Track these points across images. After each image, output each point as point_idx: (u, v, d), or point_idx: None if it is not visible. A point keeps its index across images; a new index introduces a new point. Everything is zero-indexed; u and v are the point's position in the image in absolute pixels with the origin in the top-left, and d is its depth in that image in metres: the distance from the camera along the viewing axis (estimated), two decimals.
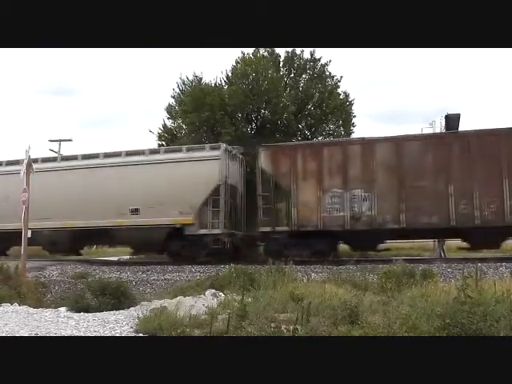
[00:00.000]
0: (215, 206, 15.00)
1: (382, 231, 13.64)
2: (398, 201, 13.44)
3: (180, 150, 16.12)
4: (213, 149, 15.75)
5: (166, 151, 16.49)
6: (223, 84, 23.78)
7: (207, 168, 15.17)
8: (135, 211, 15.24)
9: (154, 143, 25.41)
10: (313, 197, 14.09)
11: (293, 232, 14.20)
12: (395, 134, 14.69)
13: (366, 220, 13.64)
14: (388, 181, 13.60)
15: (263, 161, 14.90)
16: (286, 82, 23.65)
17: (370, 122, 70.93)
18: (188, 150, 16.03)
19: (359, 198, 13.71)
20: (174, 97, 24.91)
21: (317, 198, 14.01)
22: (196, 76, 24.29)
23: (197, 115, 21.78)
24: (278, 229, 14.41)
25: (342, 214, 13.77)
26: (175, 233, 15.21)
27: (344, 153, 14.14)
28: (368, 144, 14.14)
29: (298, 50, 24.04)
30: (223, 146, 15.80)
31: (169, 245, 15.55)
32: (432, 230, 13.72)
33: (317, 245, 14.13)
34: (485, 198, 12.93)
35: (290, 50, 24.03)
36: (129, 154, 16.45)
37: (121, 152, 16.68)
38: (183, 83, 24.62)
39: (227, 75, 23.87)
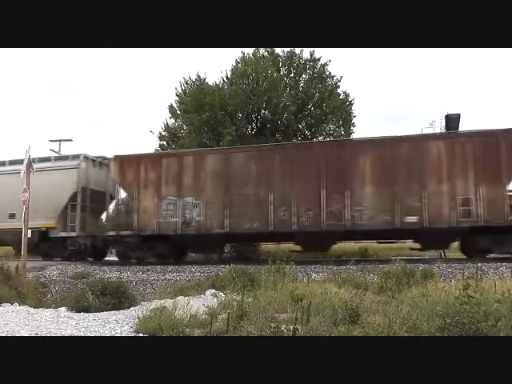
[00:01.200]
0: (73, 211, 16.86)
1: (210, 235, 14.97)
2: (223, 207, 14.68)
3: (49, 160, 17.75)
4: (73, 158, 17.43)
5: (39, 161, 17.16)
6: (224, 84, 23.80)
7: (67, 176, 16.90)
8: (13, 216, 16.61)
9: (155, 143, 25.49)
10: (152, 204, 15.40)
11: (136, 236, 15.54)
12: (225, 147, 17.11)
13: (195, 225, 14.92)
14: (216, 189, 14.90)
15: (113, 170, 16.34)
16: (285, 82, 23.67)
17: (374, 122, 70.94)
18: (56, 159, 18.03)
19: (190, 205, 15.06)
20: (177, 95, 24.94)
21: (155, 204, 15.31)
22: (199, 76, 24.33)
23: (197, 115, 21.80)
24: (122, 233, 15.68)
25: (175, 219, 15.09)
26: (45, 235, 16.92)
27: (179, 163, 15.39)
28: (200, 155, 15.61)
29: (297, 50, 24.08)
30: (82, 155, 17.29)
31: (38, 246, 16.96)
32: (253, 235, 14.97)
33: (157, 247, 15.56)
34: (303, 206, 14.06)
35: (289, 49, 24.05)
36: (11, 163, 17.70)
37: (5, 161, 18.11)
38: (186, 83, 24.65)
39: (227, 75, 23.91)
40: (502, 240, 13.07)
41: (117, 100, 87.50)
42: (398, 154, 13.77)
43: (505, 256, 12.97)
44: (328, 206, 13.83)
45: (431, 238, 13.58)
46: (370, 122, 69.10)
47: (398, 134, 15.01)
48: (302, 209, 14.05)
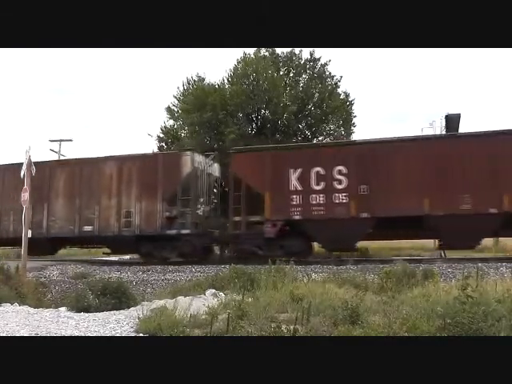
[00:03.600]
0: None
1: None
2: None
3: None
4: None
5: None
6: (224, 84, 23.82)
7: None
8: None
9: (155, 144, 25.50)
10: None
11: None
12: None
13: None
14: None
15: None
16: (286, 82, 23.67)
17: (374, 122, 70.93)
18: None
19: None
20: (176, 97, 24.95)
21: None
22: (199, 76, 24.33)
23: (199, 115, 21.82)
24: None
25: None
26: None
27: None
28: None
29: (297, 50, 24.08)
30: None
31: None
32: None
33: None
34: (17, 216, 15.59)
35: (289, 50, 24.06)
36: None
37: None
38: (187, 83, 24.66)
39: (228, 75, 23.92)
40: (159, 246, 15.94)
41: (116, 100, 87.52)
42: (82, 173, 16.77)
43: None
44: (33, 217, 16.04)
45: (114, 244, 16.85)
46: (371, 122, 69.11)
47: (81, 157, 18.37)
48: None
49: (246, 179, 15.41)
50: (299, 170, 14.75)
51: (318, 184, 14.62)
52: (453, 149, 13.82)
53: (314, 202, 14.55)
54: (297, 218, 14.63)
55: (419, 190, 13.57)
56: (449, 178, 13.55)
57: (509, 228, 13.38)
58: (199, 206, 16.10)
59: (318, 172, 14.63)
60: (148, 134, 26.13)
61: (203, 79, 24.15)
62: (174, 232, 15.50)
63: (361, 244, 15.99)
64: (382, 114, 77.66)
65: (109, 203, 16.35)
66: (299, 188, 14.71)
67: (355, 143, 16.12)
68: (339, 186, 14.42)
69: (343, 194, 14.36)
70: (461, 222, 13.13)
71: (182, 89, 24.82)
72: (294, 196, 14.70)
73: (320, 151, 15.47)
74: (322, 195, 14.54)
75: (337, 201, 14.38)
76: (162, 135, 25.06)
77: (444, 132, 15.55)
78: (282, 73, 23.89)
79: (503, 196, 13.16)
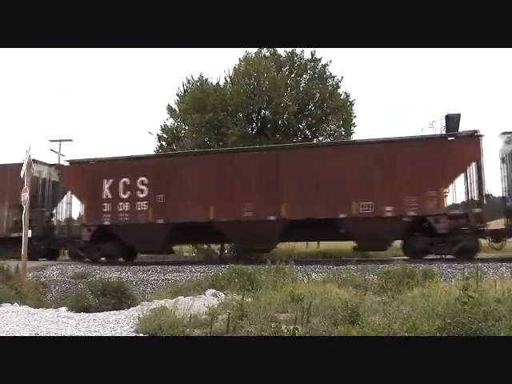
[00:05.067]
0: None
1: None
2: None
3: None
4: None
5: None
6: (225, 84, 23.81)
7: None
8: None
9: (154, 144, 25.51)
10: None
11: None
12: None
13: None
14: None
15: None
16: (286, 82, 23.67)
17: (375, 122, 70.98)
18: None
19: None
20: (178, 95, 24.94)
21: None
22: (201, 76, 24.32)
23: (199, 115, 21.82)
24: None
25: None
26: None
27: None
28: None
29: (298, 50, 24.09)
30: None
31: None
32: None
33: None
34: None
35: (290, 50, 24.06)
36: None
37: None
38: (188, 82, 24.66)
39: (229, 75, 23.92)
40: (6, 247, 17.30)
41: (116, 100, 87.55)
42: None
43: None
44: None
45: None
46: (371, 122, 69.10)
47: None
48: None
49: (70, 189, 17.67)
50: (111, 181, 16.48)
51: (124, 193, 16.41)
52: (234, 162, 15.57)
53: (121, 209, 16.36)
54: (107, 223, 16.39)
55: (206, 200, 15.27)
56: (232, 189, 15.14)
57: (289, 234, 15.00)
58: (42, 212, 18.60)
59: (125, 182, 16.42)
60: (148, 132, 26.14)
61: (205, 80, 24.15)
62: (16, 235, 16.44)
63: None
64: (382, 114, 77.72)
65: None
66: (110, 196, 16.47)
67: (155, 156, 18.25)
68: (141, 195, 16.19)
69: (144, 202, 16.14)
70: (244, 227, 14.85)
71: (182, 89, 24.84)
72: (106, 204, 16.45)
73: (127, 164, 17.01)
74: (127, 203, 16.32)
75: (139, 208, 16.15)
76: (162, 134, 25.04)
77: (444, 131, 15.52)
78: (283, 73, 23.88)
79: (281, 205, 14.73)
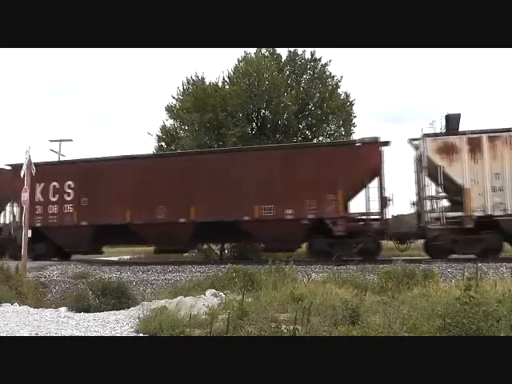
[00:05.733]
0: None
1: None
2: None
3: None
4: None
5: None
6: (225, 84, 23.81)
7: None
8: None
9: (154, 144, 25.52)
10: None
11: None
12: None
13: None
14: None
15: None
16: (286, 82, 23.66)
17: (375, 122, 70.91)
18: None
19: None
20: (176, 96, 24.94)
21: None
22: (198, 76, 24.32)
23: (199, 116, 21.81)
24: None
25: None
26: None
27: None
28: None
29: (299, 50, 24.08)
30: None
31: None
32: None
33: None
34: None
35: (291, 50, 24.05)
36: None
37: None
38: (187, 82, 24.65)
39: (229, 75, 23.91)
40: None
41: (117, 100, 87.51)
42: None
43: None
44: None
45: None
46: (371, 122, 69.09)
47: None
48: None
49: (9, 192, 17.73)
50: (42, 184, 17.12)
51: (54, 196, 17.18)
52: (147, 167, 16.22)
53: (51, 212, 17.11)
54: (38, 225, 16.90)
55: (123, 203, 15.98)
56: (146, 192, 15.77)
57: (199, 236, 15.88)
58: None
59: (54, 186, 17.15)
60: (148, 133, 26.13)
61: (203, 79, 24.16)
62: None
63: None
64: (382, 114, 77.69)
65: None
66: (41, 200, 17.17)
67: (78, 161, 18.36)
68: (68, 198, 16.95)
69: (70, 205, 16.89)
70: (157, 229, 15.61)
71: (181, 89, 24.84)
72: (38, 206, 17.10)
73: (56, 168, 17.98)
74: (56, 206, 17.08)
75: (66, 211, 16.90)
76: (161, 134, 25.06)
77: (444, 131, 15.55)
78: (283, 73, 23.87)
79: (191, 208, 15.44)
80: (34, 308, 9.10)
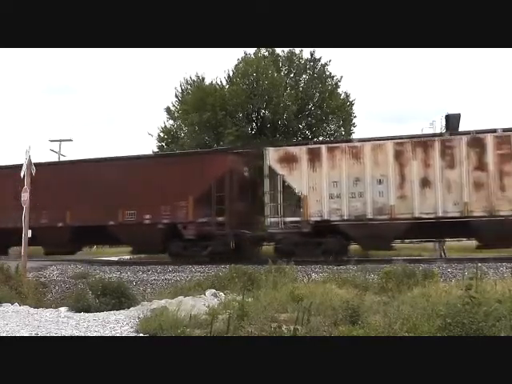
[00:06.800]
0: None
1: None
2: None
3: None
4: None
5: None
6: (224, 84, 23.81)
7: None
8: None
9: (154, 144, 25.51)
10: None
11: None
12: None
13: None
14: None
15: None
16: (286, 82, 23.66)
17: (372, 122, 70.90)
18: None
19: None
20: (176, 96, 24.94)
21: None
22: (198, 76, 24.32)
23: (198, 115, 21.80)
24: None
25: None
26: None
27: None
28: None
29: (297, 50, 24.08)
30: None
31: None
32: None
33: None
34: None
35: (289, 49, 24.04)
36: None
37: None
38: (186, 82, 24.65)
39: (228, 75, 23.91)
40: None
41: (117, 100, 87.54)
42: None
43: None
44: None
45: None
46: (371, 122, 69.12)
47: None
48: None
49: None
50: None
51: None
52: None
53: None
54: None
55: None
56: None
57: (77, 239, 17.04)
58: None
59: None
60: (148, 134, 26.09)
61: (203, 79, 24.16)
62: None
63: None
64: (382, 114, 77.70)
65: None
66: None
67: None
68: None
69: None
70: (40, 233, 15.98)
71: (180, 89, 24.83)
72: None
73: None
74: None
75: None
76: (163, 135, 25.04)
77: (444, 131, 15.60)
78: (282, 73, 23.87)
79: (66, 212, 16.65)
80: (34, 308, 9.10)
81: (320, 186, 14.55)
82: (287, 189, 15.17)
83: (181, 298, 8.80)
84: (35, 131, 75.21)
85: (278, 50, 24.38)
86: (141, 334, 6.15)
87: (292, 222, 14.92)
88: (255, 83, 22.20)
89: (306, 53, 24.06)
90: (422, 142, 14.25)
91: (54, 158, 29.91)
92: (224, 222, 15.32)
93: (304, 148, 15.02)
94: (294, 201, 15.50)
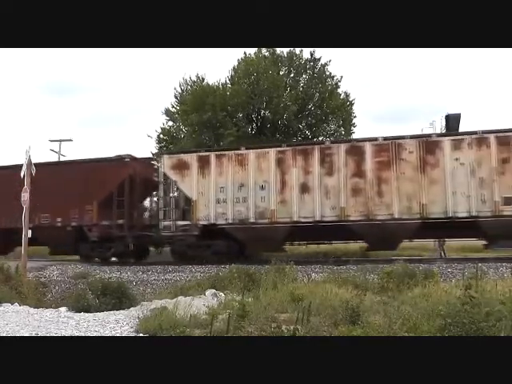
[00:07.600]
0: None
1: None
2: None
3: None
4: None
5: None
6: (225, 84, 23.81)
7: None
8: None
9: (154, 145, 25.50)
10: None
11: None
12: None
13: None
14: None
15: None
16: (286, 82, 23.67)
17: (372, 122, 70.93)
18: None
19: None
20: (175, 96, 24.92)
21: None
22: (198, 77, 24.32)
23: (198, 116, 21.79)
24: None
25: None
26: None
27: None
28: None
29: (297, 50, 24.08)
30: None
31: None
32: None
33: None
34: None
35: (289, 50, 24.04)
36: None
37: None
38: (186, 83, 24.63)
39: (230, 75, 23.91)
40: None
41: (118, 100, 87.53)
42: None
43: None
44: None
45: None
46: (371, 122, 69.10)
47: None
48: None
49: None
50: None
51: None
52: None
53: None
54: None
55: None
56: None
57: (7, 241, 17.24)
58: None
59: None
60: (147, 136, 26.00)
61: (203, 79, 24.15)
62: None
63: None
64: (382, 114, 77.69)
65: None
66: None
67: None
68: None
69: None
70: None
71: (179, 89, 24.82)
72: None
73: None
74: None
75: None
76: (161, 136, 25.04)
77: (444, 131, 15.62)
78: (282, 73, 23.88)
79: None
80: (34, 308, 9.11)
81: (208, 191, 15.34)
82: (180, 194, 16.17)
83: (181, 297, 8.80)
84: (35, 131, 75.23)
85: (279, 50, 24.40)
86: (141, 334, 6.15)
87: (183, 226, 15.75)
88: (255, 83, 22.20)
89: (306, 53, 24.10)
90: (303, 150, 14.95)
91: (54, 158, 29.91)
92: (123, 224, 16.47)
93: (195, 155, 15.84)
94: (186, 205, 16.33)
